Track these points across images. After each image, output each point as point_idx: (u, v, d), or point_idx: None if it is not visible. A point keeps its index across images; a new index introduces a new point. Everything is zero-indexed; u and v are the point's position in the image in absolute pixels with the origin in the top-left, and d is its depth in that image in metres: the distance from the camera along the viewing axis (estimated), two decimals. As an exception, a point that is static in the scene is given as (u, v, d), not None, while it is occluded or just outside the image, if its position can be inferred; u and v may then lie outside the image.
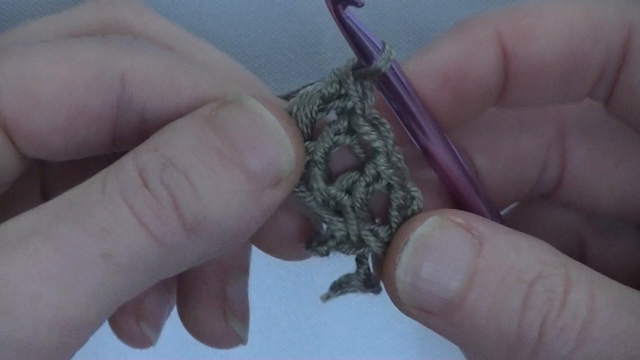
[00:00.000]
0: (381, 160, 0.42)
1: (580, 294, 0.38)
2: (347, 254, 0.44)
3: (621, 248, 0.47)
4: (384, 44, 0.41)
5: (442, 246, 0.40)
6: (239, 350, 0.52)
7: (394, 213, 0.43)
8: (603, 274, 0.40)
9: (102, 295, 0.37)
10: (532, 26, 0.41)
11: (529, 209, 0.49)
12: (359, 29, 0.40)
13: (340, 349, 0.70)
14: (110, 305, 0.38)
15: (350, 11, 0.40)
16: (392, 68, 0.41)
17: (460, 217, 0.40)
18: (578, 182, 0.46)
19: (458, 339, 0.40)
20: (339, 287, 0.45)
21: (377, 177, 0.43)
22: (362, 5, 0.40)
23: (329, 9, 0.40)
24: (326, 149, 0.42)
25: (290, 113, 0.42)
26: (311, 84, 0.43)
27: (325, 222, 0.43)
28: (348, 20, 0.40)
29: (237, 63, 0.48)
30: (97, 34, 0.45)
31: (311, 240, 0.44)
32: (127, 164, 0.39)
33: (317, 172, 0.42)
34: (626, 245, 0.47)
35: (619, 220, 0.47)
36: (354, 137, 0.43)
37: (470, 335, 0.40)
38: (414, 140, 0.43)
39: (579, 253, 0.48)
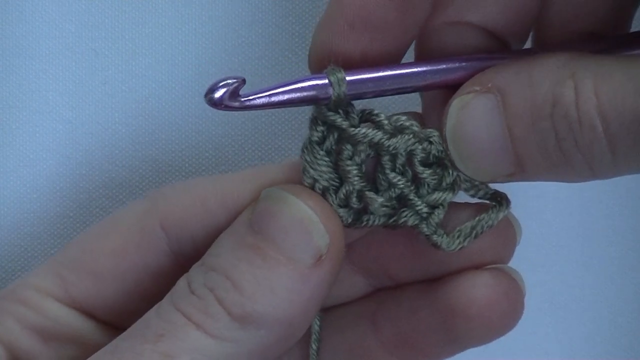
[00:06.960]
0: (387, 142, 0.43)
1: (588, 105, 0.38)
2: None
3: None
4: (326, 75, 0.42)
5: (471, 125, 0.41)
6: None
7: (421, 169, 0.43)
8: None
9: None
10: None
11: None
12: (278, 92, 0.42)
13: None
14: None
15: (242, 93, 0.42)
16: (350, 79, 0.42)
17: (476, 84, 0.41)
18: None
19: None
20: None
21: (395, 155, 0.43)
22: (244, 80, 0.41)
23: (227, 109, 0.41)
24: (358, 176, 0.43)
25: (312, 183, 0.43)
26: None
27: (408, 218, 0.44)
28: (257, 100, 0.42)
29: None
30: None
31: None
32: (180, 282, 0.43)
33: (372, 196, 0.43)
34: None
35: None
36: (362, 148, 0.43)
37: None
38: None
39: None
